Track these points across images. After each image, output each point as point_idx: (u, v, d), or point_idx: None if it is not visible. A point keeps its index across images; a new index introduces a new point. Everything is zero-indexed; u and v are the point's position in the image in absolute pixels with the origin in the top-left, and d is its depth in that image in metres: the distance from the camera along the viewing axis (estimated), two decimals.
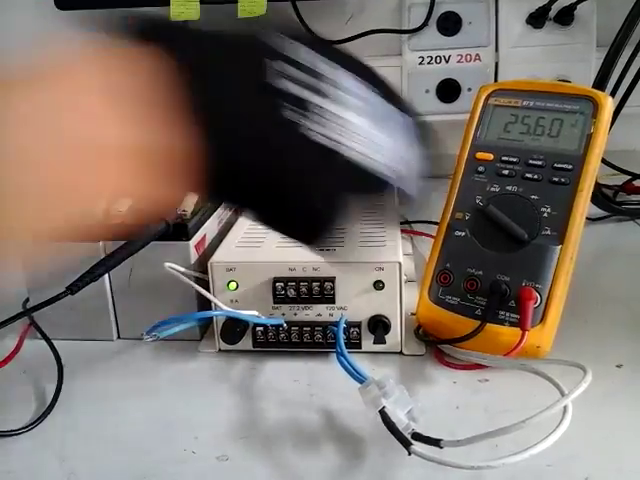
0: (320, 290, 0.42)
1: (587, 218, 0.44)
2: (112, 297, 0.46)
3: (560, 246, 0.40)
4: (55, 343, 0.44)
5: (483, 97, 0.45)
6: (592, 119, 0.41)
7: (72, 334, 0.46)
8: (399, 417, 0.32)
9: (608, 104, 0.41)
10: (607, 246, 0.63)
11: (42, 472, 0.34)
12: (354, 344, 0.42)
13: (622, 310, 0.48)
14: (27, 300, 0.47)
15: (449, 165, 0.46)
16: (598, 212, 0.65)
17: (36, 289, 0.45)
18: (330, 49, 0.28)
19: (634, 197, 0.71)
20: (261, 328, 0.43)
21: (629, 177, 0.74)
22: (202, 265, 0.46)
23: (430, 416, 0.36)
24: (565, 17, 0.86)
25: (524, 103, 0.44)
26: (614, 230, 0.65)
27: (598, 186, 0.61)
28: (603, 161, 0.66)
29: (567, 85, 0.44)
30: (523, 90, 0.44)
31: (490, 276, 0.41)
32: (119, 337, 0.47)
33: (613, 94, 0.56)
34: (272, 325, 0.42)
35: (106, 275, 0.44)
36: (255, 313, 0.42)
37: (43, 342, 0.45)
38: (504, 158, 0.43)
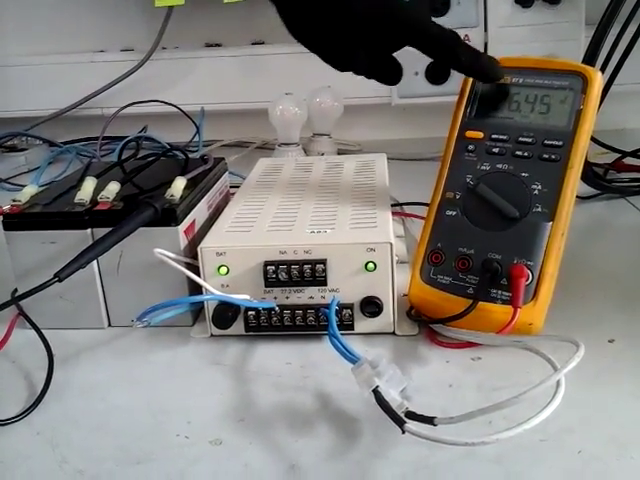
0: (312, 273, 0.41)
1: (578, 196, 0.44)
2: (101, 284, 0.45)
3: (551, 223, 0.40)
4: (45, 332, 0.44)
5: None
6: (582, 94, 0.41)
7: (62, 323, 0.46)
8: (392, 396, 0.32)
9: (598, 79, 0.41)
10: (598, 223, 0.63)
11: (34, 461, 0.33)
12: (347, 326, 0.42)
13: (614, 286, 0.48)
14: (15, 290, 0.47)
15: (439, 147, 0.45)
16: (589, 190, 0.65)
17: (24, 278, 0.45)
18: None
19: (624, 175, 0.72)
20: (253, 312, 0.42)
21: (619, 155, 0.75)
22: (192, 250, 0.45)
23: (423, 395, 0.36)
24: None
25: (513, 80, 0.43)
26: (605, 208, 0.65)
27: (589, 164, 0.61)
28: (593, 139, 0.67)
29: (556, 61, 0.43)
30: (512, 67, 0.43)
31: (481, 254, 0.40)
32: (110, 325, 0.46)
33: (602, 72, 0.55)
34: (264, 309, 0.42)
35: (94, 262, 0.44)
36: (247, 297, 0.42)
37: (32, 332, 0.44)
38: (494, 136, 0.43)
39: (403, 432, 0.30)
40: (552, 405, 0.30)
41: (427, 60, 1.05)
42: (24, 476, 0.32)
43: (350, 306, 0.42)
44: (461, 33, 0.97)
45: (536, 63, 0.43)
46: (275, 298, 0.42)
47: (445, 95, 0.90)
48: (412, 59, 1.00)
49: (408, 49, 0.96)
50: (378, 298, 0.42)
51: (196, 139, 0.90)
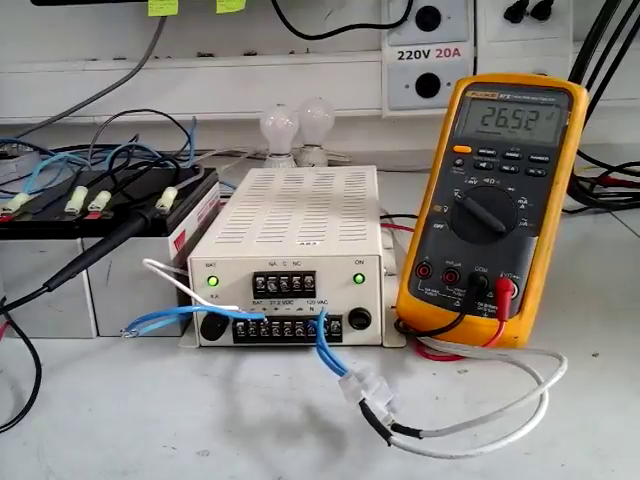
0: (301, 284, 0.41)
1: (565, 210, 0.45)
2: (90, 294, 0.45)
3: (537, 237, 0.40)
4: (33, 342, 0.44)
5: (460, 90, 0.45)
6: (568, 111, 0.41)
7: (50, 332, 0.46)
8: (379, 409, 0.32)
9: (583, 96, 0.42)
10: (584, 238, 0.64)
11: (20, 471, 0.33)
12: (335, 337, 0.42)
13: (598, 300, 0.49)
14: (4, 299, 0.47)
15: (429, 159, 0.46)
16: (575, 204, 0.65)
17: (13, 287, 0.45)
18: None
19: (610, 189, 0.73)
20: (242, 323, 0.42)
21: (605, 170, 0.76)
22: (182, 261, 0.45)
23: (410, 407, 0.36)
24: (542, 11, 0.87)
25: (501, 96, 0.44)
26: (591, 222, 0.66)
27: (575, 179, 0.62)
28: (580, 154, 0.68)
29: (543, 78, 0.44)
30: (500, 83, 0.44)
31: (468, 268, 0.41)
32: (98, 335, 0.46)
33: (589, 88, 0.56)
34: (253, 320, 0.42)
35: (84, 272, 0.44)
36: (236, 308, 0.42)
37: (21, 341, 0.44)
38: (481, 151, 0.43)
39: (389, 445, 0.31)
40: (536, 419, 0.30)
41: (417, 73, 1.06)
42: None
43: (338, 318, 0.42)
44: (451, 47, 0.99)
45: (523, 80, 0.44)
46: (264, 309, 0.43)
47: (435, 108, 0.91)
48: (403, 72, 1.01)
49: (398, 62, 0.97)
50: (366, 310, 0.42)
51: (187, 148, 0.90)
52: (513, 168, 0.42)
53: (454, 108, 0.45)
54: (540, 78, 0.44)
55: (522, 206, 0.41)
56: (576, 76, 0.54)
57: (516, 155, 0.42)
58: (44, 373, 0.41)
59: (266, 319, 0.42)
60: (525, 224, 0.41)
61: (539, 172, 0.41)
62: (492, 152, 0.43)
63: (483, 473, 0.31)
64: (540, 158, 0.42)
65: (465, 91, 0.45)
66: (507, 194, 0.42)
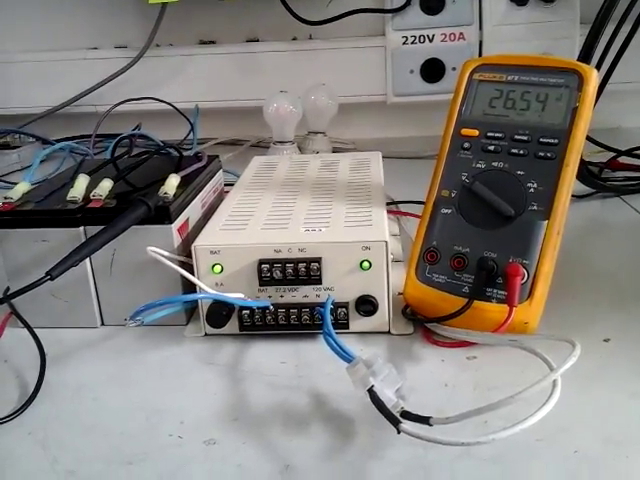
0: (306, 271, 0.41)
1: (573, 195, 0.44)
2: (94, 283, 0.45)
3: (546, 221, 0.39)
4: (37, 331, 0.44)
5: (467, 72, 0.44)
6: (577, 92, 0.41)
7: (54, 322, 0.45)
8: (388, 396, 0.32)
9: (593, 77, 0.41)
10: (593, 223, 0.63)
11: (25, 461, 0.33)
12: (342, 325, 0.42)
13: (609, 285, 0.48)
14: (7, 289, 0.46)
15: (434, 145, 0.45)
16: (584, 189, 0.65)
17: (16, 277, 0.44)
18: None
19: (619, 174, 0.72)
20: (247, 311, 0.42)
21: (614, 154, 0.75)
22: (186, 249, 0.45)
23: (419, 394, 0.36)
24: None
25: (509, 78, 0.43)
26: (600, 207, 0.65)
27: (584, 163, 0.61)
28: (588, 138, 0.67)
29: (552, 58, 0.43)
30: (507, 64, 0.43)
31: (477, 253, 0.40)
32: (102, 324, 0.46)
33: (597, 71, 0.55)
34: (258, 307, 0.42)
35: (87, 260, 0.44)
36: (241, 296, 0.42)
37: (24, 330, 0.44)
38: (489, 134, 0.43)
39: (398, 432, 0.30)
40: (548, 405, 0.29)
41: (422, 57, 1.05)
42: (15, 476, 0.32)
43: (345, 305, 0.42)
44: (456, 31, 0.97)
45: (532, 60, 0.43)
46: (269, 297, 0.42)
47: (440, 93, 0.90)
48: (408, 57, 1.00)
49: (402, 47, 0.96)
50: (373, 297, 0.41)
51: (190, 137, 0.90)
52: (522, 151, 0.41)
53: (461, 91, 0.44)
54: (549, 59, 0.43)
55: (531, 190, 0.40)
56: (584, 59, 0.52)
57: (525, 138, 0.41)
58: (48, 363, 0.41)
59: (272, 306, 0.42)
60: (535, 208, 0.40)
61: (549, 155, 0.40)
62: (500, 135, 0.42)
63: (494, 460, 0.31)
64: (549, 140, 0.41)
65: (472, 73, 0.44)
66: (516, 178, 0.41)
